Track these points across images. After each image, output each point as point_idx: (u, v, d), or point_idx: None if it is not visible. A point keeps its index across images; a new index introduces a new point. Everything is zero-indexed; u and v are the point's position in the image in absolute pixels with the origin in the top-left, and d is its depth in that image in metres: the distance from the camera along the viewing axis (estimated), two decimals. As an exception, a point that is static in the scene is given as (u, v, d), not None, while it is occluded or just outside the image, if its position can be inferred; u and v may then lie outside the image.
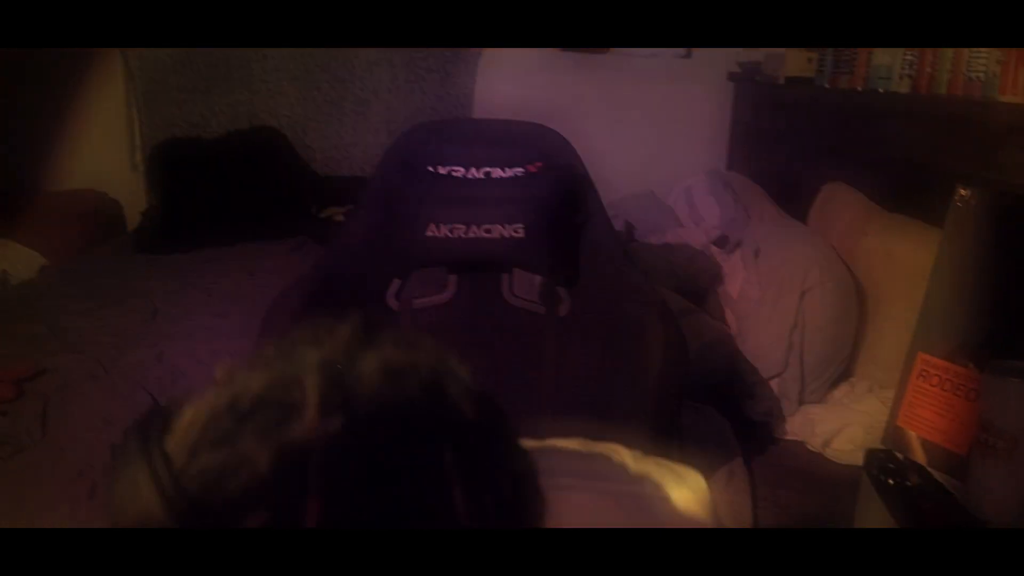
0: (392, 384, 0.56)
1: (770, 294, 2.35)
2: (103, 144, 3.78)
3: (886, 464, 1.47)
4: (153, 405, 0.62)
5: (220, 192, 3.49)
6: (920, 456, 1.48)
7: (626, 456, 0.94)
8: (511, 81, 3.81)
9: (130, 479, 0.55)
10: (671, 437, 1.56)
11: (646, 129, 3.87)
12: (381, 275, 1.76)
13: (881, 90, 2.64)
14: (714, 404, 2.13)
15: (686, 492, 0.91)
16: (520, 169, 1.72)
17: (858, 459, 1.59)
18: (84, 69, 3.66)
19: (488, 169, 1.72)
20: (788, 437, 2.16)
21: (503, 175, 1.72)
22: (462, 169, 1.71)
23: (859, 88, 2.79)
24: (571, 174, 1.79)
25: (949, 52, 2.30)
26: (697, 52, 3.89)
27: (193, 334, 2.27)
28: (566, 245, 1.77)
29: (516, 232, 1.68)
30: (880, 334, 2.24)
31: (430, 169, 1.72)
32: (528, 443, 0.74)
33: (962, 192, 1.46)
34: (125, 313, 2.49)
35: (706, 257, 2.93)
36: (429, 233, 1.68)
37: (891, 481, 1.44)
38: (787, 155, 3.36)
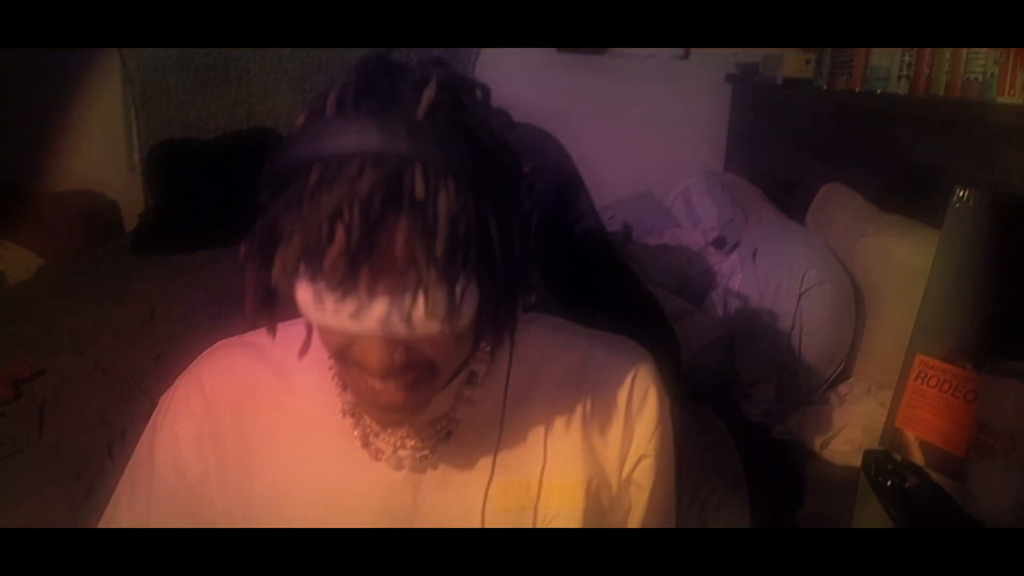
0: None
1: (768, 295, 2.35)
2: (101, 145, 3.78)
3: (884, 465, 1.48)
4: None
5: (218, 193, 3.47)
6: (918, 457, 1.48)
7: None
8: (508, 81, 3.76)
9: None
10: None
11: (643, 130, 3.87)
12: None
13: (879, 91, 2.64)
14: (711, 405, 2.13)
15: None
16: None
17: (856, 460, 1.59)
18: (82, 70, 3.66)
19: None
20: (786, 438, 2.16)
21: None
22: None
23: (857, 89, 2.79)
24: (562, 174, 1.79)
25: (947, 53, 2.29)
26: (695, 53, 3.89)
27: (191, 335, 2.26)
28: (557, 244, 1.77)
29: None
30: (878, 335, 2.24)
31: None
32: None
33: (960, 193, 1.46)
34: (123, 314, 2.48)
35: (703, 258, 2.93)
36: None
37: (889, 482, 1.44)
38: (785, 156, 3.37)
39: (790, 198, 3.05)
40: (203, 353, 0.91)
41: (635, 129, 3.86)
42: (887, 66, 2.59)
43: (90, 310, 2.49)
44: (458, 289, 0.64)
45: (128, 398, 1.92)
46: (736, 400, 2.27)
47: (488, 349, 0.83)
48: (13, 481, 1.63)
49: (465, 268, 0.64)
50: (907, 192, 2.36)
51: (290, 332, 0.76)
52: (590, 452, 0.87)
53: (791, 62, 3.23)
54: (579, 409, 0.87)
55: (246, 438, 0.86)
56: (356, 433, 0.83)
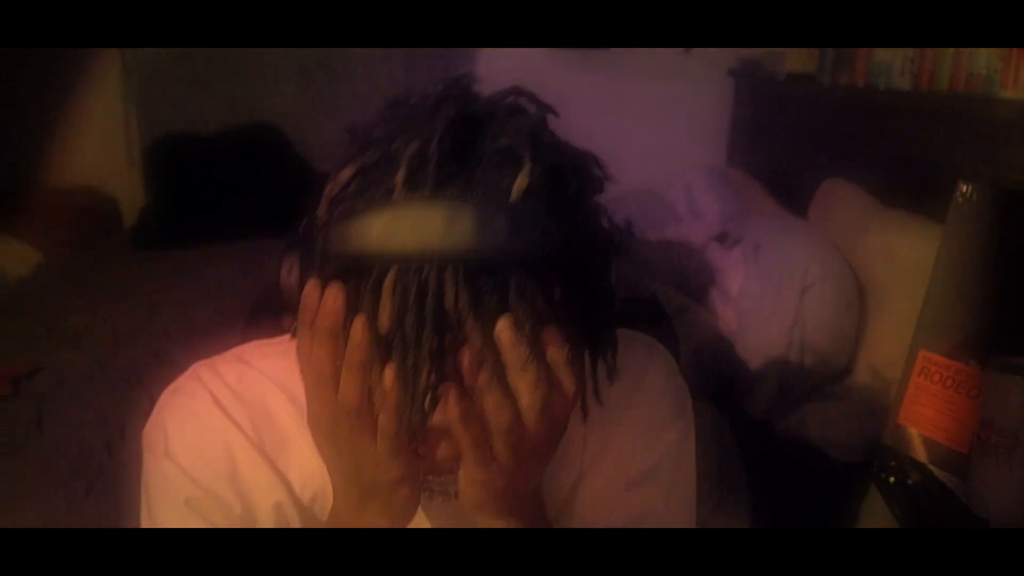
0: None
1: (770, 290, 2.34)
2: (100, 141, 3.77)
3: (887, 462, 1.47)
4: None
5: (217, 189, 3.48)
6: (921, 454, 1.47)
7: None
8: (509, 76, 3.79)
9: None
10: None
11: (645, 125, 3.85)
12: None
13: (882, 86, 2.63)
14: (713, 401, 2.12)
15: None
16: None
17: (859, 457, 1.58)
18: (81, 65, 3.65)
19: None
20: (788, 435, 2.15)
21: None
22: None
23: (860, 84, 2.78)
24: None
25: (950, 48, 2.29)
26: (697, 47, 3.88)
27: (190, 331, 2.26)
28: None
29: None
30: (881, 331, 2.23)
31: None
32: None
33: (963, 188, 1.46)
34: (122, 310, 2.48)
35: (705, 254, 2.92)
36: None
37: (892, 479, 1.44)
38: (787, 151, 3.36)
39: (792, 193, 3.04)
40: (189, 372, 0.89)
41: (636, 124, 3.84)
42: (890, 61, 2.58)
43: (89, 306, 2.48)
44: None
45: (127, 395, 1.91)
46: (738, 397, 2.26)
47: None
48: (12, 479, 1.63)
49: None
50: (910, 187, 2.35)
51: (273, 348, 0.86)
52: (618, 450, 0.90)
53: (794, 57, 3.23)
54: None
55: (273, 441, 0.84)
56: None
